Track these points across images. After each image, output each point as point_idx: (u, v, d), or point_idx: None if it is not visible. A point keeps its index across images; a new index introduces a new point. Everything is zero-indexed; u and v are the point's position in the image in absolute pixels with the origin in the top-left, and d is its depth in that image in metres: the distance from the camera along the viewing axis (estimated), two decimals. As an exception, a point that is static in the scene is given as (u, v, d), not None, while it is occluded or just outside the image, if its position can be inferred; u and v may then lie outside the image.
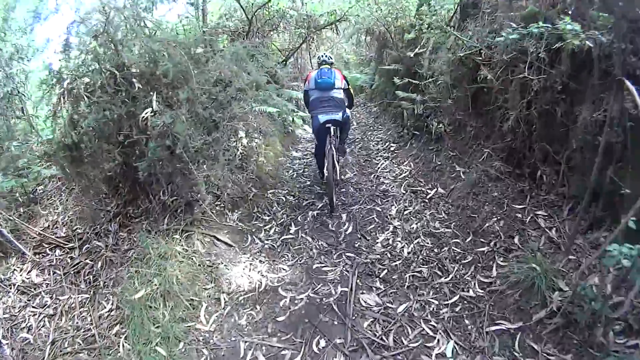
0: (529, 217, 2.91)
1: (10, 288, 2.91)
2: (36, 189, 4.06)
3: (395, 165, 4.66)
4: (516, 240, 2.80)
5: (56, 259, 3.15)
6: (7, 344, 2.49)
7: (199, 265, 3.03)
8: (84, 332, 2.54)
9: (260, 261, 3.20)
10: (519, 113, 3.15)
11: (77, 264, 3.06)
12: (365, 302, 2.66)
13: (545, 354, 2.00)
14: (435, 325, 2.36)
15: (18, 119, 5.43)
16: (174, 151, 2.64)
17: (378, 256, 3.12)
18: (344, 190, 4.23)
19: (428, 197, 3.75)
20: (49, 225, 3.58)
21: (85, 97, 2.79)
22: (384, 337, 2.31)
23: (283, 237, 3.47)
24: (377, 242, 3.29)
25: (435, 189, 3.79)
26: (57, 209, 3.77)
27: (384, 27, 6.66)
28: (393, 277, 2.88)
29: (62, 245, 3.28)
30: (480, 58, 3.69)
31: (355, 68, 10.88)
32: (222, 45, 5.56)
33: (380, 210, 3.73)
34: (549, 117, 2.96)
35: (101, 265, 3.03)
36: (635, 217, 1.68)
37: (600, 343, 1.90)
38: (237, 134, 4.18)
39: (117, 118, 2.94)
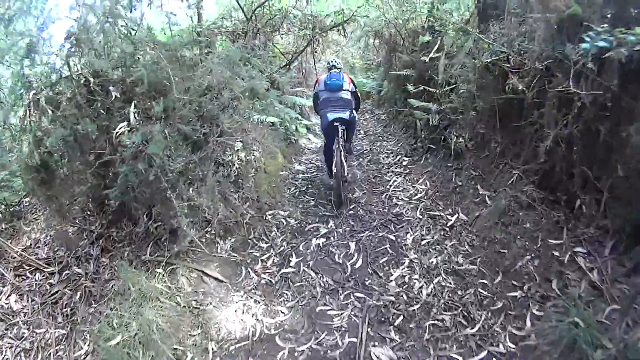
0: (567, 256, 2.48)
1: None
2: (22, 201, 3.74)
3: (409, 184, 4.19)
4: (554, 285, 2.37)
5: (36, 283, 2.83)
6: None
7: (184, 306, 2.63)
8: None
9: (256, 301, 2.76)
10: (559, 131, 2.70)
11: (56, 292, 2.76)
12: (377, 357, 2.23)
13: None
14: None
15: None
16: (149, 176, 2.20)
17: (392, 298, 2.67)
18: (352, 212, 3.76)
19: (448, 224, 3.27)
20: (30, 244, 3.26)
21: (49, 110, 2.36)
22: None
23: (282, 271, 3.02)
24: (391, 280, 2.84)
25: (457, 215, 3.32)
26: (41, 224, 3.41)
27: (395, 29, 6.20)
28: (410, 326, 2.44)
29: (42, 268, 2.95)
30: (508, 65, 3.24)
31: (361, 73, 10.42)
32: (222, 48, 5.17)
33: (393, 238, 3.26)
34: (590, 136, 2.53)
35: (80, 296, 2.68)
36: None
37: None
38: (234, 147, 3.77)
39: (90, 134, 2.53)
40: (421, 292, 2.70)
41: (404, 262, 2.99)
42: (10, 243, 3.14)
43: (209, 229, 3.14)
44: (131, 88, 2.59)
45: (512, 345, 2.16)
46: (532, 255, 2.63)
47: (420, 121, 4.89)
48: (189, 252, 2.94)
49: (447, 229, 3.24)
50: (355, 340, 2.35)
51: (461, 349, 2.21)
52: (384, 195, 4.02)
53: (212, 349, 2.40)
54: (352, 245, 3.23)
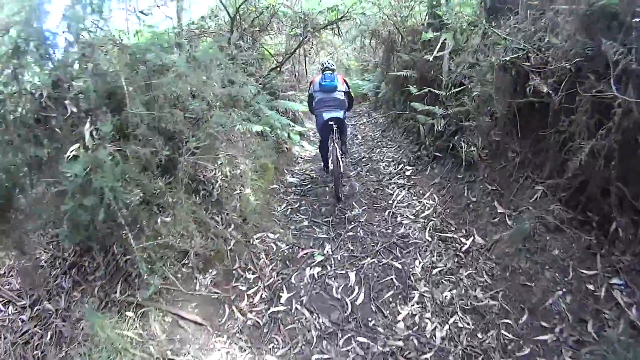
0: (603, 289, 2.13)
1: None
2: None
3: (415, 198, 3.74)
4: (589, 326, 2.03)
5: (8, 318, 2.59)
6: None
7: (158, 358, 2.20)
8: None
9: (241, 348, 2.33)
10: (595, 143, 2.28)
11: (27, 331, 2.52)
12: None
13: None
14: None
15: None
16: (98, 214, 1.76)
17: (401, 343, 2.25)
18: (351, 234, 3.31)
19: (463, 249, 2.84)
20: (4, 272, 2.95)
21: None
22: None
23: (272, 310, 2.58)
24: (399, 320, 2.41)
25: (472, 238, 2.89)
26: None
27: (393, 27, 5.76)
28: (424, 381, 2.01)
29: (14, 301, 2.71)
30: (528, 64, 2.82)
31: (357, 75, 9.97)
32: (211, 50, 4.71)
33: (400, 267, 2.82)
34: (626, 149, 2.19)
35: (50, 337, 2.42)
36: None
37: None
38: (216, 162, 3.33)
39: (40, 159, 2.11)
40: (434, 335, 2.28)
41: (413, 297, 2.55)
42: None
43: (187, 261, 2.70)
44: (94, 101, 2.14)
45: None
46: (564, 289, 2.26)
47: (424, 126, 4.48)
48: (163, 292, 2.50)
49: (462, 254, 2.80)
50: (358, 401, 1.93)
51: (486, 412, 1.79)
52: (387, 212, 3.57)
53: (188, 413, 1.99)
54: (352, 275, 2.78)
